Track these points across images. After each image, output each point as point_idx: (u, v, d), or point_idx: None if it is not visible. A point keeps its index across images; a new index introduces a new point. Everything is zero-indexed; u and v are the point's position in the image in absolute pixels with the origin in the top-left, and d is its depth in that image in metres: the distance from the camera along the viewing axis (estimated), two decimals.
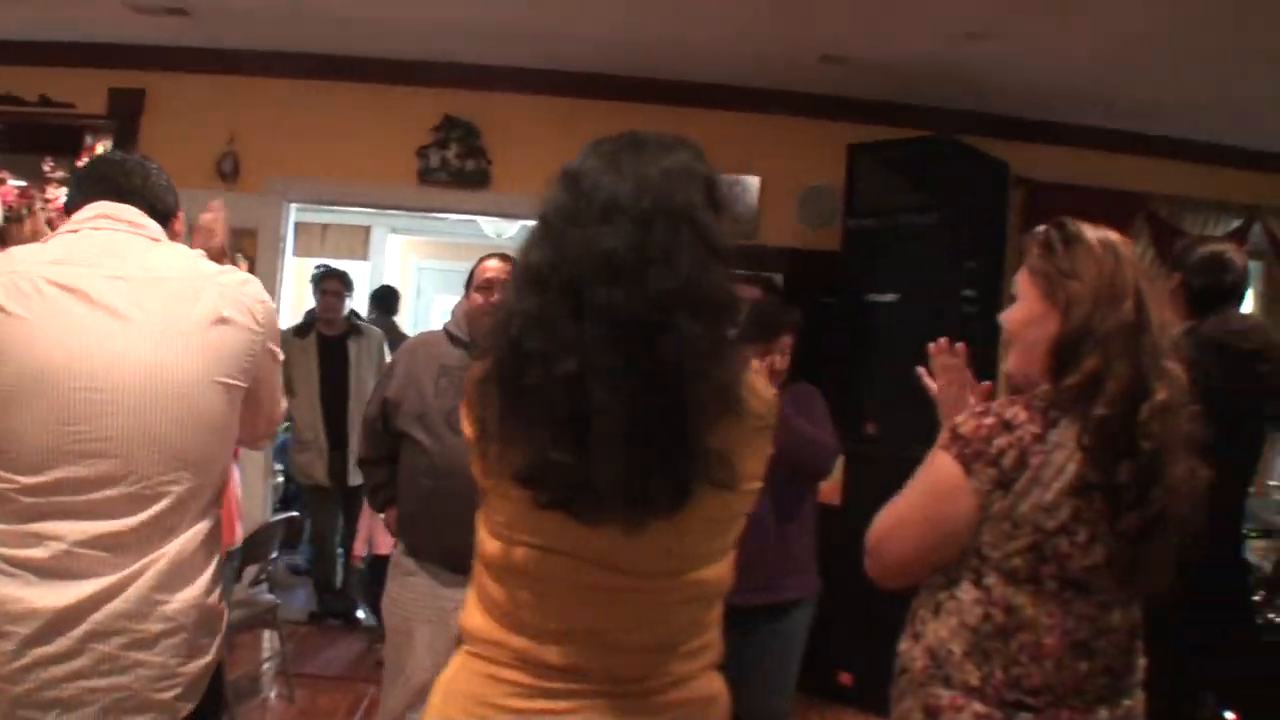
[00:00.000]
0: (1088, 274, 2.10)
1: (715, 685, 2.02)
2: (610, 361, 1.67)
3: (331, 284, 7.26)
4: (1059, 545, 2.02)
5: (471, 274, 4.04)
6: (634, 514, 1.74)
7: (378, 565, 6.33)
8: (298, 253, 9.67)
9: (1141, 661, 2.22)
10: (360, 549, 6.65)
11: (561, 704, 1.84)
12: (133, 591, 2.18)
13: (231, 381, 2.34)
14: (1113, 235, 2.18)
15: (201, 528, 2.34)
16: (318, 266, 7.78)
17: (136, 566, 2.19)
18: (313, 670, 6.24)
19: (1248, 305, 8.30)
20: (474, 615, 1.94)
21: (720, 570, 1.97)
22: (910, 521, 2.18)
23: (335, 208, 8.85)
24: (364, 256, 11.34)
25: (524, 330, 1.73)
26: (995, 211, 6.81)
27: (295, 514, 6.62)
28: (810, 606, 4.18)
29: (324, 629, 7.12)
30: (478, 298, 3.91)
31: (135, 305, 2.25)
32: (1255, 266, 8.28)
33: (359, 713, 5.50)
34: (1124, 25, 5.57)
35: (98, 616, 2.14)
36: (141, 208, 2.45)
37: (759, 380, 1.92)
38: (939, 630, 2.16)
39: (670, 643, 1.91)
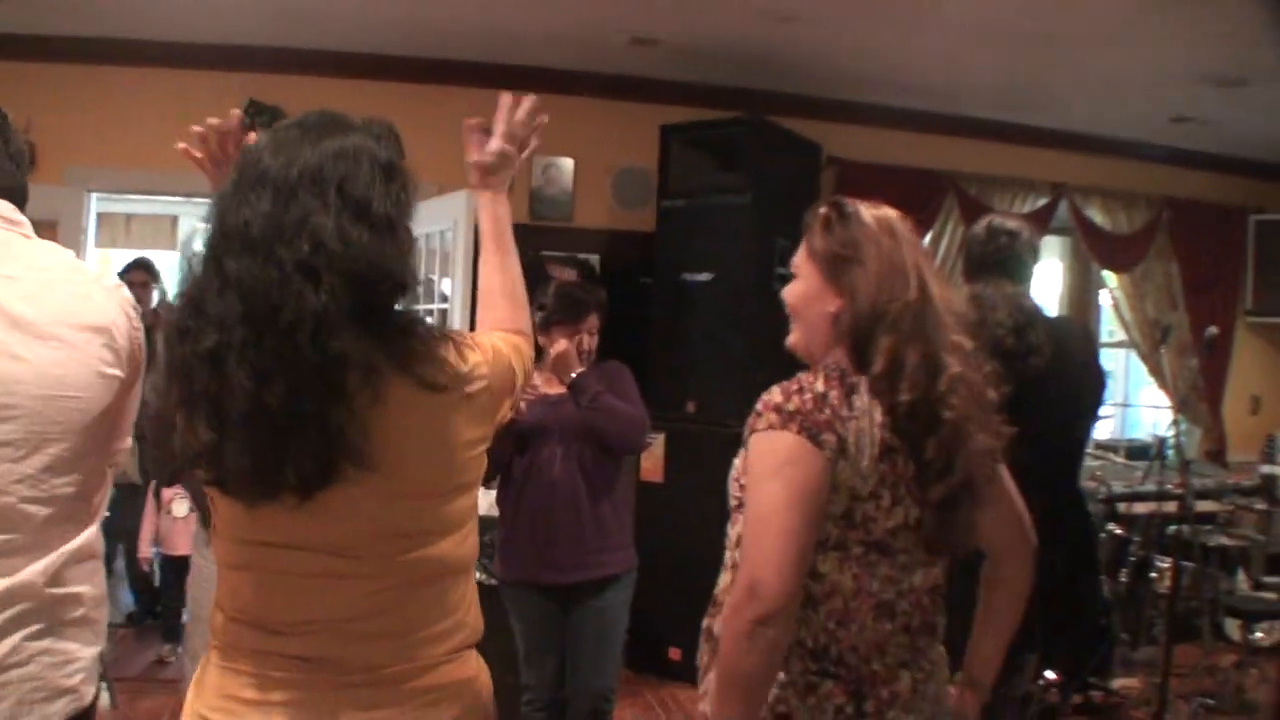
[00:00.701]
0: (869, 256, 2.14)
1: (469, 668, 2.05)
2: (242, 335, 1.71)
3: (136, 274, 7.09)
4: (868, 509, 2.07)
5: None
6: (265, 492, 1.78)
7: (174, 566, 6.26)
8: (102, 244, 9.47)
9: (942, 620, 2.29)
10: (145, 550, 6.46)
11: (300, 694, 1.87)
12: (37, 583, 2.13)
13: (119, 377, 2.29)
14: (889, 213, 2.23)
15: (95, 525, 2.31)
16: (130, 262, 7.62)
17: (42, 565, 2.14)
18: (132, 673, 6.18)
19: (1049, 280, 8.71)
20: (215, 613, 1.98)
21: (451, 547, 1.99)
22: (788, 525, 2.01)
23: (140, 197, 8.67)
24: (172, 246, 11.10)
25: (180, 310, 1.80)
26: (807, 191, 6.98)
27: (105, 513, 6.50)
28: (629, 582, 4.30)
29: (142, 630, 7.01)
30: None
31: (31, 306, 2.10)
32: (1062, 242, 8.67)
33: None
34: (927, 8, 5.80)
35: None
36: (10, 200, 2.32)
37: (460, 350, 1.93)
38: None
39: (410, 627, 1.95)
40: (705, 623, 2.30)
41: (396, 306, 1.85)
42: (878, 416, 2.08)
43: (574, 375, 4.06)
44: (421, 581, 1.95)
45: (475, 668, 2.07)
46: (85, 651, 2.16)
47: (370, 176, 1.84)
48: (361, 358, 1.75)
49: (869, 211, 2.21)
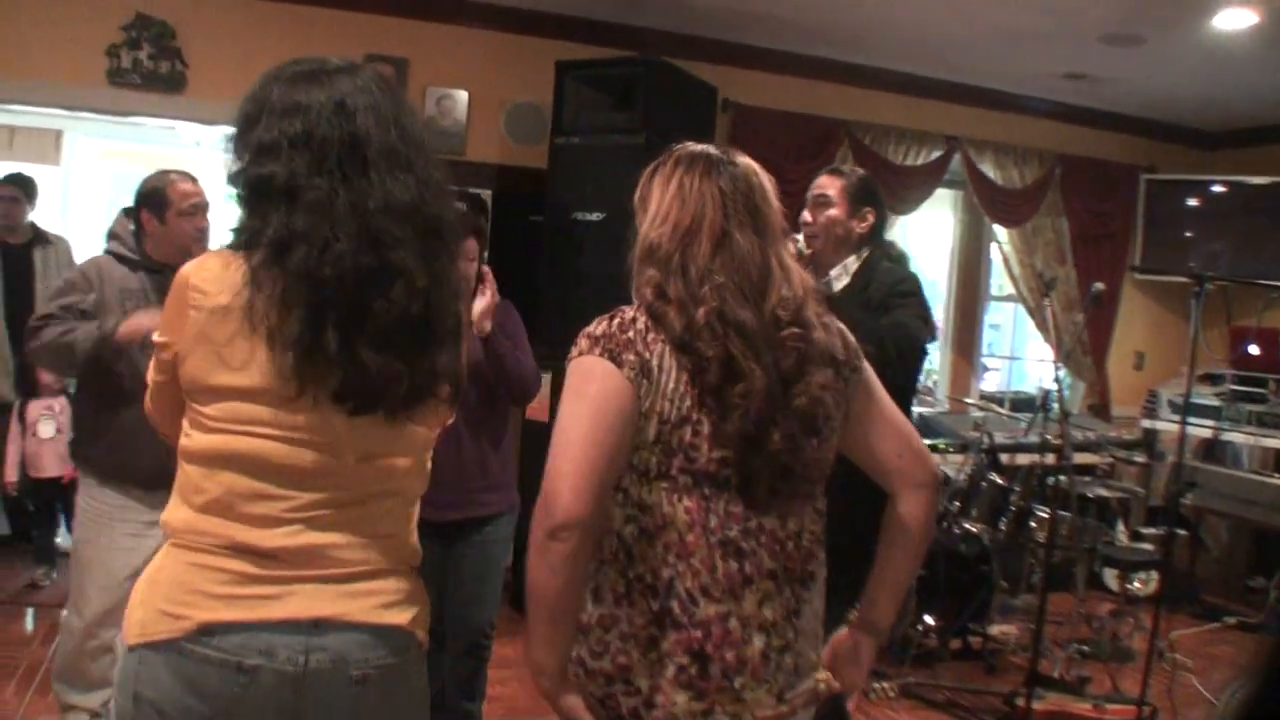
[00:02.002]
0: (652, 200, 2.26)
1: (416, 584, 2.18)
2: (448, 272, 2.05)
3: (7, 190, 6.97)
4: (683, 434, 2.07)
5: (152, 192, 4.02)
6: (394, 405, 2.00)
7: (43, 489, 6.21)
8: None
9: (820, 571, 2.27)
10: (11, 474, 6.36)
11: (270, 589, 1.96)
12: None
13: None
14: (704, 152, 2.28)
15: None
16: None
17: None
18: (4, 597, 6.14)
19: (948, 231, 8.85)
20: (180, 510, 2.03)
21: (408, 467, 2.14)
22: (584, 434, 2.03)
23: (22, 108, 8.48)
24: (55, 162, 10.88)
25: (377, 251, 1.96)
26: (702, 134, 6.89)
27: None
28: (511, 520, 4.32)
29: (14, 553, 6.92)
30: (184, 224, 3.93)
31: None
32: (954, 195, 8.81)
33: (54, 641, 5.44)
34: None
35: None
36: None
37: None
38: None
39: (373, 532, 2.07)
40: None
41: None
42: None
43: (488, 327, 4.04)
44: (380, 494, 2.08)
45: (420, 586, 2.19)
46: None
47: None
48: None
49: (676, 154, 2.31)
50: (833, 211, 4.05)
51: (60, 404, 6.33)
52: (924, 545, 2.42)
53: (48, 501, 6.40)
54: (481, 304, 3.99)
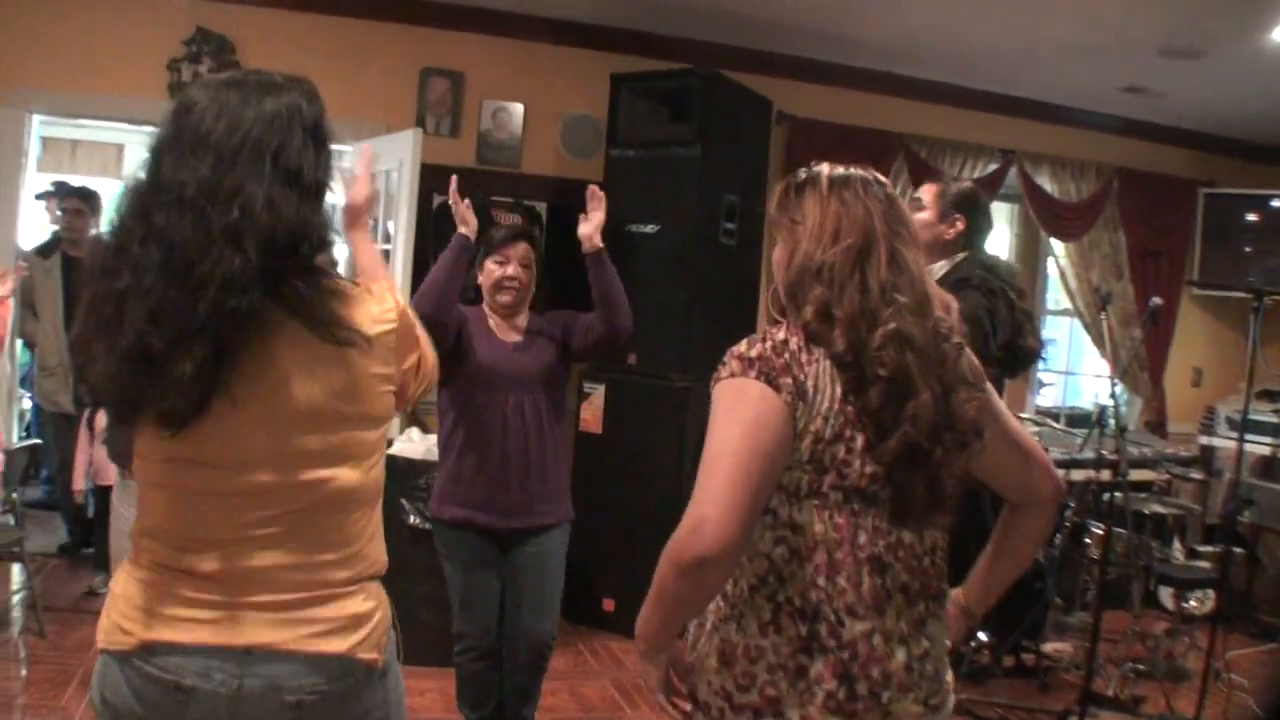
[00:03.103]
0: (810, 216, 2.17)
1: (369, 601, 2.14)
2: (150, 282, 1.85)
3: (72, 202, 7.09)
4: (836, 452, 2.05)
5: None
6: (133, 420, 1.96)
7: (106, 497, 6.27)
8: (47, 169, 9.39)
9: (946, 587, 2.26)
10: (80, 481, 6.44)
11: (209, 614, 1.98)
12: None
13: None
14: (853, 172, 2.24)
15: None
16: (52, 183, 7.58)
17: None
18: (63, 604, 6.17)
19: (1004, 245, 8.81)
20: (136, 527, 2.09)
21: (353, 476, 2.09)
22: (740, 466, 1.97)
23: (87, 123, 8.61)
24: (117, 175, 11.02)
25: (103, 250, 1.93)
26: (757, 146, 7.04)
27: (38, 441, 6.49)
28: (566, 532, 4.38)
29: (75, 561, 7.00)
30: None
31: None
32: (1010, 209, 8.77)
33: None
34: None
35: None
36: None
37: (366, 301, 2.09)
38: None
39: (310, 551, 2.05)
40: None
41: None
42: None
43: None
44: (322, 508, 2.05)
45: (376, 601, 2.15)
46: None
47: (303, 143, 2.00)
48: (259, 314, 1.91)
49: (829, 174, 2.24)
50: (922, 215, 4.10)
51: None
52: (1034, 556, 2.50)
53: (110, 509, 6.46)
54: (595, 220, 4.26)
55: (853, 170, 2.25)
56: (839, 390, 2.05)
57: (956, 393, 2.13)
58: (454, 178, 4.24)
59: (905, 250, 2.16)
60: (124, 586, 2.04)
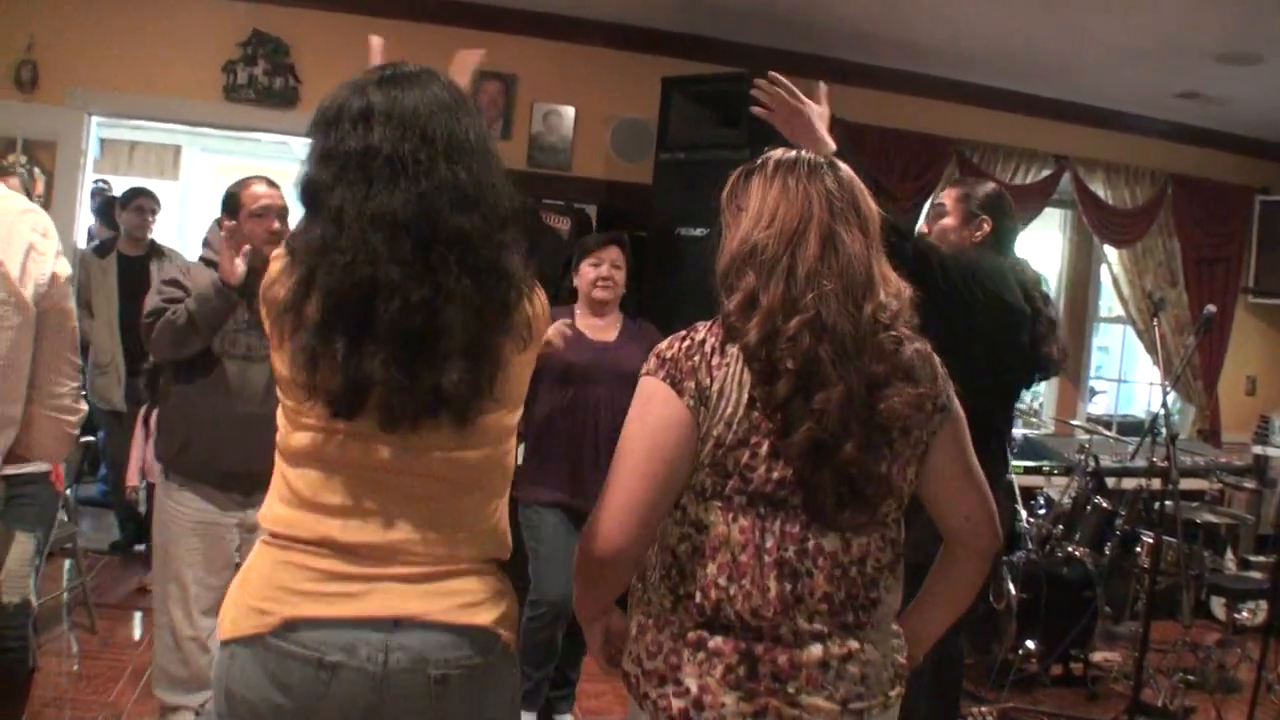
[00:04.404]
0: (753, 201, 2.17)
1: (503, 580, 2.18)
2: (460, 283, 1.92)
3: (145, 200, 7.19)
4: (740, 456, 2.05)
5: (229, 197, 4.18)
6: (445, 416, 1.97)
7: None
8: (104, 171, 9.50)
9: (889, 597, 2.21)
10: (133, 478, 6.48)
11: (355, 587, 1.99)
12: None
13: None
14: (802, 156, 2.21)
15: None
16: (129, 190, 7.68)
17: None
18: (114, 600, 6.24)
19: (1056, 252, 8.75)
20: (272, 505, 2.09)
21: (500, 457, 2.14)
22: (639, 459, 2.07)
23: (145, 124, 8.70)
24: (174, 177, 11.14)
25: (379, 265, 1.90)
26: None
27: (90, 439, 6.53)
28: None
29: (127, 558, 7.08)
30: (255, 225, 4.03)
31: None
32: (1063, 215, 8.71)
33: None
34: None
35: None
36: None
37: (534, 298, 2.11)
38: (649, 555, 2.19)
39: (456, 526, 2.07)
40: None
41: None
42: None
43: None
44: (469, 486, 2.09)
45: (507, 582, 2.19)
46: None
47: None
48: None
49: (778, 159, 2.22)
50: (946, 220, 4.08)
51: None
52: (967, 605, 2.41)
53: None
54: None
55: (802, 154, 2.22)
56: (745, 396, 2.05)
57: (886, 386, 2.08)
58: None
59: (846, 234, 2.12)
60: (259, 570, 2.04)
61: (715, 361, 2.07)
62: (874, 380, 2.07)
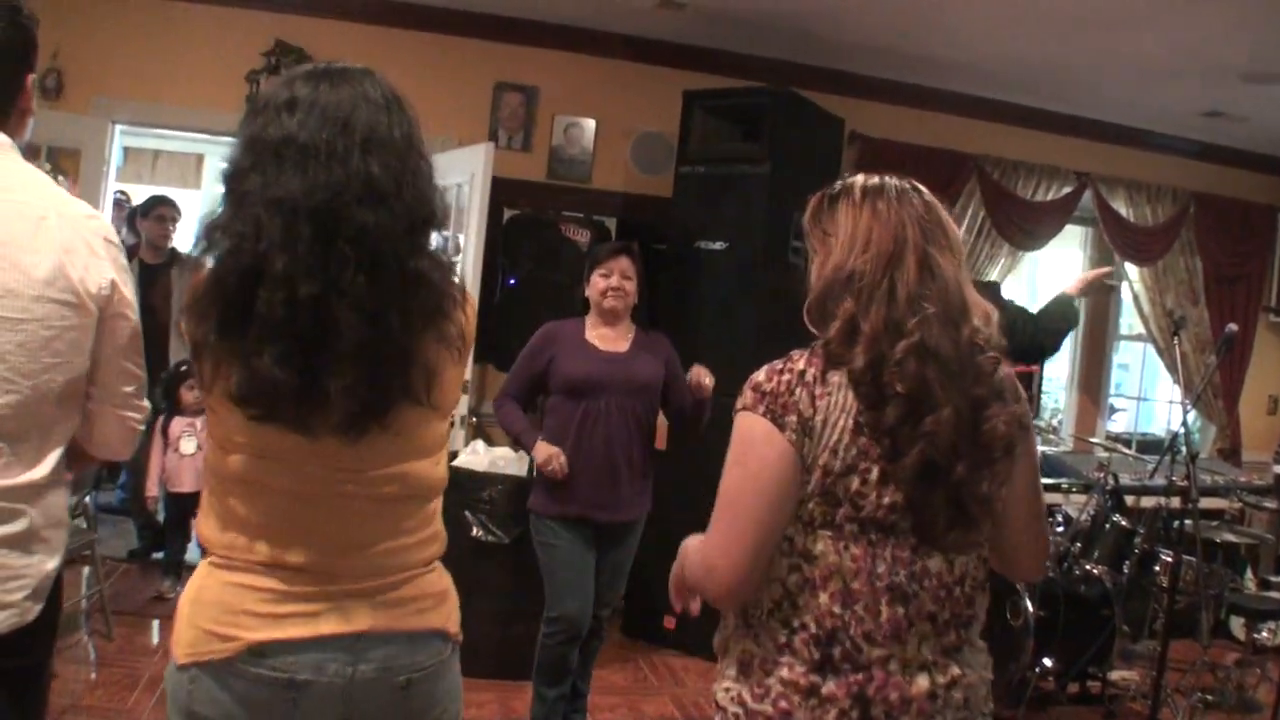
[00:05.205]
0: (842, 229, 2.12)
1: (445, 579, 2.21)
2: (354, 281, 1.85)
3: (167, 209, 7.24)
4: (849, 484, 2.03)
5: None
6: (356, 425, 1.93)
7: (179, 504, 6.33)
8: (128, 179, 9.55)
9: (980, 617, 2.21)
10: (153, 487, 6.50)
11: (313, 606, 1.99)
12: None
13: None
14: (888, 181, 2.18)
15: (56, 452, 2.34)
16: (150, 199, 7.71)
17: None
18: (132, 608, 6.24)
19: (1077, 268, 8.72)
20: (212, 524, 2.05)
21: (431, 467, 2.13)
22: (743, 502, 2.05)
23: (168, 133, 8.75)
24: (196, 186, 11.20)
25: (265, 253, 1.84)
26: (828, 165, 6.98)
27: None
28: (643, 521, 4.85)
29: (145, 566, 7.07)
30: None
31: None
32: (1084, 232, 8.70)
33: None
34: None
35: None
36: None
37: (465, 306, 2.11)
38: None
39: (399, 537, 2.08)
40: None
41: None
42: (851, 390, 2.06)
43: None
44: (406, 498, 2.09)
45: (449, 579, 2.22)
46: (32, 568, 2.22)
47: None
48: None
49: (863, 184, 2.18)
50: None
51: (202, 421, 6.47)
52: None
53: (182, 516, 6.51)
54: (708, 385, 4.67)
55: (888, 179, 2.19)
56: (852, 423, 2.03)
57: (987, 408, 2.08)
58: None
59: (940, 257, 2.10)
60: (212, 593, 2.00)
61: (819, 391, 2.05)
62: (977, 402, 2.07)
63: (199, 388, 2.03)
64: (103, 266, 2.23)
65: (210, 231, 1.90)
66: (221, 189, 1.95)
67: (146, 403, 2.46)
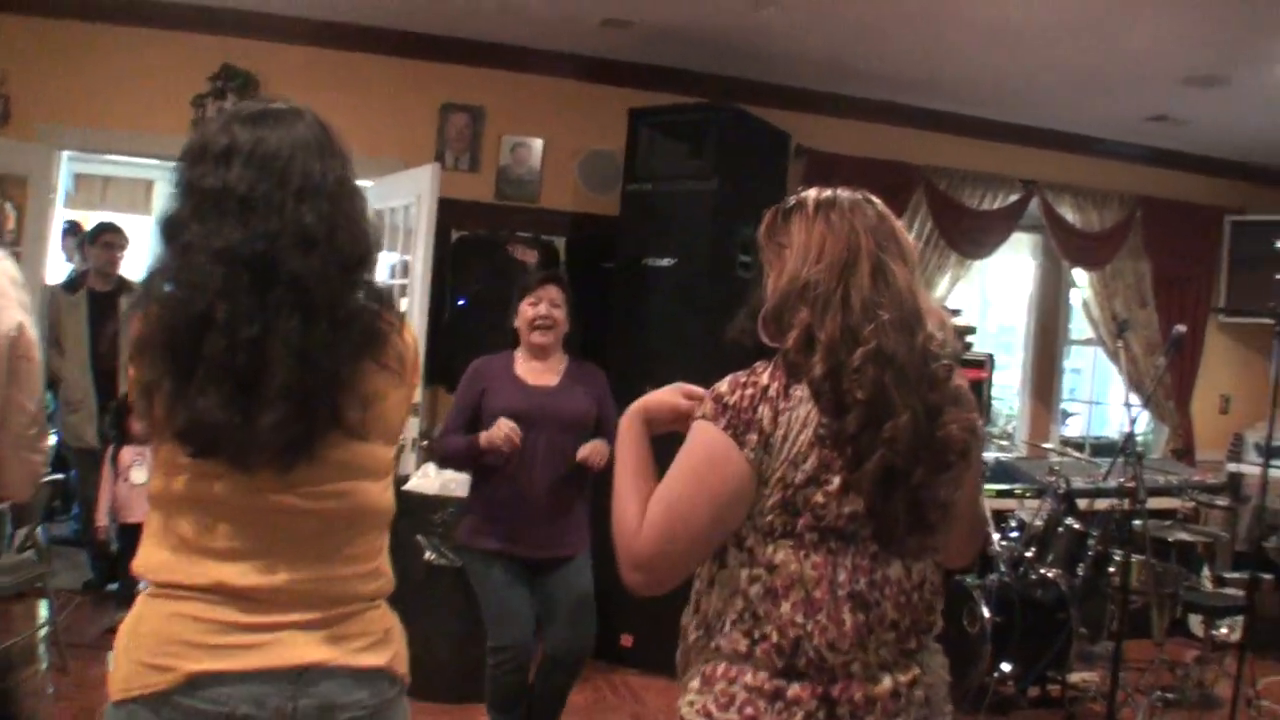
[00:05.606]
0: (796, 240, 2.16)
1: (390, 619, 2.19)
2: (288, 324, 1.90)
3: (113, 236, 7.18)
4: (810, 495, 2.03)
5: None
6: (284, 459, 1.94)
7: (127, 535, 6.28)
8: (79, 206, 9.49)
9: (937, 622, 2.23)
10: (103, 517, 6.44)
11: (255, 637, 1.97)
12: None
13: None
14: (841, 194, 2.22)
15: None
16: (67, 222, 7.68)
17: None
18: (87, 640, 6.18)
19: (1028, 275, 8.78)
20: (153, 552, 2.04)
21: (378, 493, 2.14)
22: (690, 513, 2.07)
23: (118, 159, 8.70)
24: (146, 211, 11.12)
25: (212, 302, 1.89)
26: (775, 180, 7.02)
27: (61, 476, 6.51)
28: (589, 558, 4.69)
29: (100, 598, 7.01)
30: None
31: None
32: (1033, 239, 8.76)
33: None
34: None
35: None
36: None
37: (404, 334, 2.15)
38: (714, 600, 2.16)
39: (343, 568, 2.08)
40: (684, 621, 2.27)
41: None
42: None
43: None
44: (351, 518, 2.09)
45: (395, 618, 2.20)
46: None
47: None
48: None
49: (815, 196, 2.23)
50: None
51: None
52: None
53: (135, 546, 6.46)
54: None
55: (840, 192, 2.23)
56: (812, 435, 2.04)
57: (943, 413, 2.10)
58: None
59: (893, 265, 2.13)
60: (151, 624, 1.98)
61: (781, 406, 2.06)
62: (933, 408, 2.09)
63: (146, 427, 2.02)
64: (11, 308, 2.22)
65: (156, 280, 1.94)
66: (158, 235, 1.98)
67: (49, 441, 2.45)
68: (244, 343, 1.87)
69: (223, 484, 1.96)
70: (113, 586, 6.95)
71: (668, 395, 2.30)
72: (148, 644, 1.96)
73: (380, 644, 2.11)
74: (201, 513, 1.99)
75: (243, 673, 1.94)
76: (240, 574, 1.97)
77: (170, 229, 1.96)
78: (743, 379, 2.11)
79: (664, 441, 2.24)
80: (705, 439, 2.09)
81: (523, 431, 4.42)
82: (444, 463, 4.73)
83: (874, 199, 2.24)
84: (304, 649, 1.98)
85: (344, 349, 1.97)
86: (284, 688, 1.96)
